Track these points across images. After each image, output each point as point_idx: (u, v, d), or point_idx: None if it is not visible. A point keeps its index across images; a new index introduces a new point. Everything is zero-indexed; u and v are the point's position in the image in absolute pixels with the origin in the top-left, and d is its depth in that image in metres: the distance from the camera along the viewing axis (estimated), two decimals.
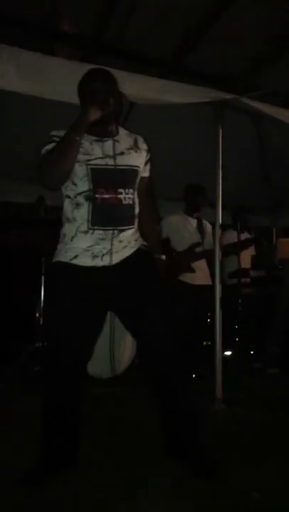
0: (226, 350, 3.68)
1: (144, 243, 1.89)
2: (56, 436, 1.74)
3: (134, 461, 1.87)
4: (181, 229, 3.38)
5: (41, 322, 3.54)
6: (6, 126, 3.15)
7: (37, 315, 3.58)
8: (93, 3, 3.58)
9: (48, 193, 3.89)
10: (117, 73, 2.41)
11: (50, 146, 1.74)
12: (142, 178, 1.89)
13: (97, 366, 3.06)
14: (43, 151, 1.76)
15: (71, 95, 2.38)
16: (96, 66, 2.40)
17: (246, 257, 3.79)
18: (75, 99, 2.37)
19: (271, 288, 3.75)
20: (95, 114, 1.68)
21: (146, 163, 1.90)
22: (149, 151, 1.90)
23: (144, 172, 1.90)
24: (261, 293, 3.88)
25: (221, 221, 2.81)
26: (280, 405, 2.72)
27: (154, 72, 3.77)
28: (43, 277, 3.58)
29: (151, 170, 1.94)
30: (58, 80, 2.36)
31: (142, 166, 1.87)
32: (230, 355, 3.67)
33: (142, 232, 1.90)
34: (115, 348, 3.07)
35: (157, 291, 1.85)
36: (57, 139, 1.74)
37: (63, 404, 1.75)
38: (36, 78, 2.31)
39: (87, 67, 2.52)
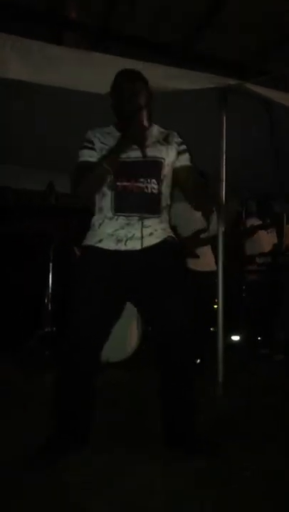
0: (234, 336, 3.73)
1: (172, 235, 1.94)
2: (69, 415, 1.80)
3: (138, 442, 1.93)
4: (187, 216, 3.39)
5: (50, 307, 3.62)
6: (18, 113, 3.18)
7: (46, 300, 3.66)
8: None
9: (58, 179, 4.01)
10: (118, 60, 2.47)
11: (84, 155, 1.86)
12: (181, 167, 1.94)
13: (105, 350, 3.17)
14: (79, 158, 1.87)
15: (76, 82, 2.44)
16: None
17: (266, 243, 3.82)
18: (79, 86, 2.44)
19: (277, 274, 3.76)
20: (129, 146, 1.77)
21: (179, 154, 1.94)
22: (182, 143, 1.96)
23: (179, 162, 1.94)
24: (267, 279, 3.89)
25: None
26: (283, 390, 2.75)
27: (163, 58, 3.78)
28: (51, 264, 3.65)
29: (191, 160, 1.98)
30: (63, 67, 2.38)
31: (169, 158, 1.90)
32: (237, 340, 3.70)
33: (192, 195, 2.00)
34: (123, 333, 3.16)
35: (179, 281, 1.88)
36: (89, 145, 1.86)
37: (78, 385, 1.79)
38: (40, 66, 2.33)
39: (93, 55, 2.57)
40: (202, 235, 3.35)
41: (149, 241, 1.83)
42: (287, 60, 4.06)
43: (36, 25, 3.70)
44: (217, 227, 2.86)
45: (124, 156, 1.81)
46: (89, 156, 1.86)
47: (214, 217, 3.51)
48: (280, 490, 1.59)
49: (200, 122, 3.25)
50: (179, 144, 1.95)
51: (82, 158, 1.87)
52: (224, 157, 2.78)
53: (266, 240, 3.79)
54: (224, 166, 2.79)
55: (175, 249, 1.93)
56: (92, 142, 1.87)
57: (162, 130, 1.96)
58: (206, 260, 3.28)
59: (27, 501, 1.49)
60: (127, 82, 1.86)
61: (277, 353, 3.57)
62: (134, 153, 1.83)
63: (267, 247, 3.84)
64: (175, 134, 1.97)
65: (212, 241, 3.16)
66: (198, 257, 3.30)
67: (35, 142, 3.57)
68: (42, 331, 3.54)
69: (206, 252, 3.31)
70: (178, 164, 1.95)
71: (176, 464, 1.72)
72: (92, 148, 1.86)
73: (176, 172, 1.95)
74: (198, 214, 3.44)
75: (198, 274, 3.26)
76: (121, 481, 1.61)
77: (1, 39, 2.24)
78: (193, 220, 3.40)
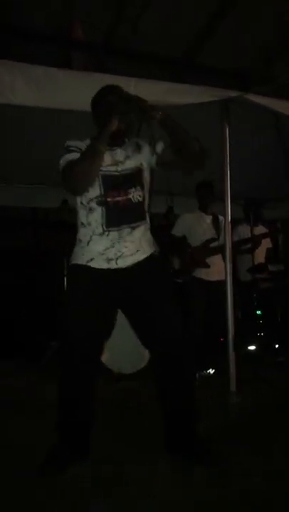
0: (250, 345, 3.72)
1: (156, 248, 2.00)
2: (69, 428, 1.87)
3: (142, 450, 1.96)
4: (195, 226, 3.44)
5: None
6: (35, 134, 3.26)
7: None
8: (103, 10, 3.71)
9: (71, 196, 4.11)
10: (122, 79, 2.54)
11: (70, 156, 1.85)
12: (163, 153, 1.92)
13: (119, 361, 3.22)
14: (63, 160, 1.87)
15: (80, 104, 2.52)
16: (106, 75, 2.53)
17: (260, 251, 3.80)
18: (84, 107, 2.51)
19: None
20: (116, 125, 1.80)
21: (155, 146, 1.94)
22: (148, 139, 1.95)
23: (158, 149, 1.93)
24: (281, 287, 3.88)
25: (230, 216, 2.86)
26: None
27: (167, 72, 3.87)
28: (65, 277, 3.74)
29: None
30: (67, 90, 2.47)
31: (146, 160, 1.95)
32: (252, 349, 3.69)
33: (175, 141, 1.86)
34: (137, 345, 3.19)
35: (168, 291, 1.97)
36: (74, 149, 1.87)
37: (75, 398, 1.86)
38: (46, 90, 2.42)
39: (94, 76, 2.66)
40: (212, 244, 3.38)
41: (137, 257, 1.90)
42: None
43: (45, 47, 3.85)
44: (224, 237, 2.89)
45: (113, 169, 1.89)
46: (77, 156, 1.85)
47: (223, 226, 3.54)
48: (280, 490, 1.61)
49: (203, 134, 3.30)
50: (147, 140, 1.96)
51: (70, 158, 1.85)
52: (228, 167, 2.82)
53: (260, 249, 3.75)
54: (228, 175, 2.83)
55: (161, 263, 2.01)
56: (76, 146, 1.88)
57: (133, 141, 1.99)
58: (216, 269, 3.29)
59: (26, 501, 1.55)
60: (113, 96, 1.88)
61: None
62: (121, 166, 1.90)
63: (260, 255, 3.81)
64: (142, 139, 1.97)
65: (222, 250, 3.18)
66: (208, 266, 3.33)
67: (49, 161, 3.65)
68: (58, 342, 3.62)
69: (216, 261, 3.32)
70: (159, 151, 1.93)
71: (177, 465, 1.76)
72: (78, 151, 1.86)
73: (161, 158, 1.93)
74: (207, 223, 3.50)
75: (209, 284, 3.29)
76: (121, 482, 1.66)
77: (8, 66, 2.35)
78: (201, 229, 3.44)
